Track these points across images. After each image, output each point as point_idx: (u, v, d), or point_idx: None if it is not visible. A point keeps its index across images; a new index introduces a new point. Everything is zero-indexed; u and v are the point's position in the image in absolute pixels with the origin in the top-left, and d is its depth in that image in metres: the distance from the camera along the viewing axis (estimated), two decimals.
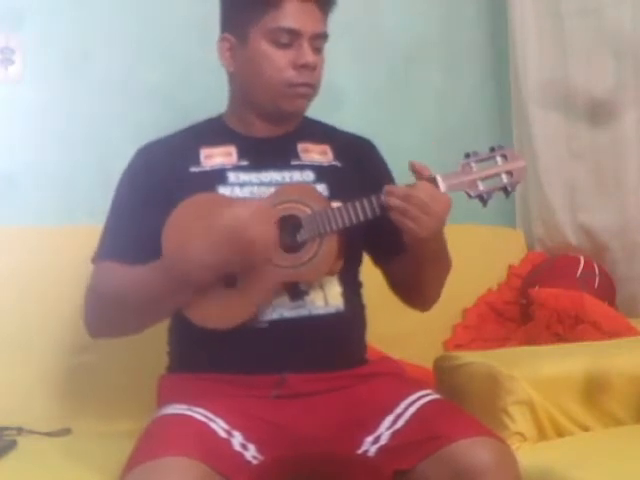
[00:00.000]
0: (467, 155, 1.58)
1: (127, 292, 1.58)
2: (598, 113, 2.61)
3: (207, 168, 1.68)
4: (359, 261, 1.76)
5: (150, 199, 1.63)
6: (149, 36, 2.33)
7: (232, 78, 1.73)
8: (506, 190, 1.58)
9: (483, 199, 1.58)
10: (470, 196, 1.58)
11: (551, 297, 2.37)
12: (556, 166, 2.71)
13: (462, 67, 2.83)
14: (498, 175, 1.58)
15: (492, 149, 1.59)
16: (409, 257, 1.66)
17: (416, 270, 1.67)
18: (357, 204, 1.56)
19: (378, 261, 1.79)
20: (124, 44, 2.30)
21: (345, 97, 2.55)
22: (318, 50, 1.68)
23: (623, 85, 2.55)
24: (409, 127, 2.68)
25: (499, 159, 1.58)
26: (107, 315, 1.62)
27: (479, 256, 2.56)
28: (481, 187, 1.57)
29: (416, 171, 1.57)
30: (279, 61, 1.64)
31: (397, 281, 1.78)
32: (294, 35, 1.64)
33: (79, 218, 2.18)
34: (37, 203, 2.21)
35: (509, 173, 1.58)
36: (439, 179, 1.56)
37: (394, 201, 1.53)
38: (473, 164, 1.57)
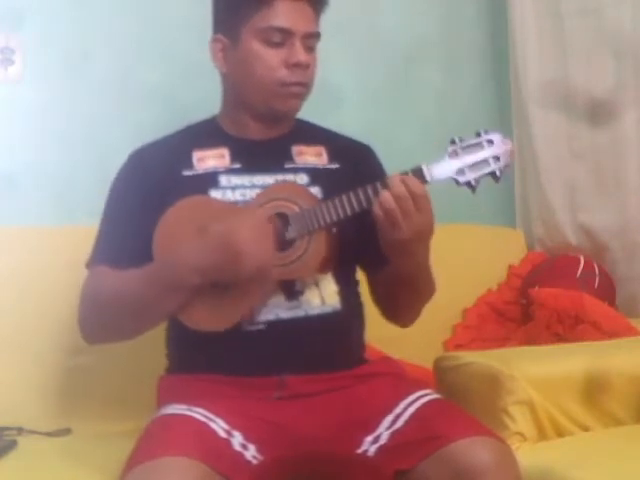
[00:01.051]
0: (453, 141, 1.55)
1: (120, 296, 1.58)
2: (598, 113, 2.61)
3: (200, 171, 1.67)
4: (355, 259, 1.75)
5: (143, 203, 1.63)
6: (149, 36, 2.33)
7: (225, 79, 1.73)
8: (494, 175, 1.55)
9: (471, 186, 1.54)
10: (458, 183, 1.55)
11: (551, 297, 2.37)
12: (556, 166, 2.71)
13: (462, 67, 2.83)
14: (485, 161, 1.54)
15: (478, 134, 1.56)
16: (391, 272, 1.65)
17: (395, 287, 1.67)
18: (344, 199, 1.54)
19: (364, 267, 1.78)
20: (124, 44, 2.30)
21: (344, 97, 2.55)
22: (311, 49, 1.67)
23: (623, 85, 2.55)
24: (408, 127, 2.68)
25: (485, 144, 1.55)
26: (102, 320, 1.62)
27: (479, 256, 2.56)
28: (468, 174, 1.54)
29: None
30: (271, 60, 1.64)
31: (378, 292, 1.76)
32: (286, 34, 1.63)
33: (79, 218, 2.18)
34: (37, 203, 2.21)
35: (496, 158, 1.55)
36: (425, 168, 1.53)
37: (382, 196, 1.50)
38: (459, 151, 1.54)
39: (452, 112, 2.78)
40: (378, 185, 1.53)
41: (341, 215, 1.54)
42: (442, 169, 1.54)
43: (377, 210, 1.51)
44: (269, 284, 1.57)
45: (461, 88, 2.82)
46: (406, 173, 1.53)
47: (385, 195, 1.50)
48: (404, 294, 1.69)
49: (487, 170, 1.55)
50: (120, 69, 2.30)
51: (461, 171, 1.54)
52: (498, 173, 1.55)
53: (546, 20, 2.69)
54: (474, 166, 1.54)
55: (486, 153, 1.55)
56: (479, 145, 1.55)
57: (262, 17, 1.63)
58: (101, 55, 2.28)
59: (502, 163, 1.55)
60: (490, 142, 1.55)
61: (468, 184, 1.55)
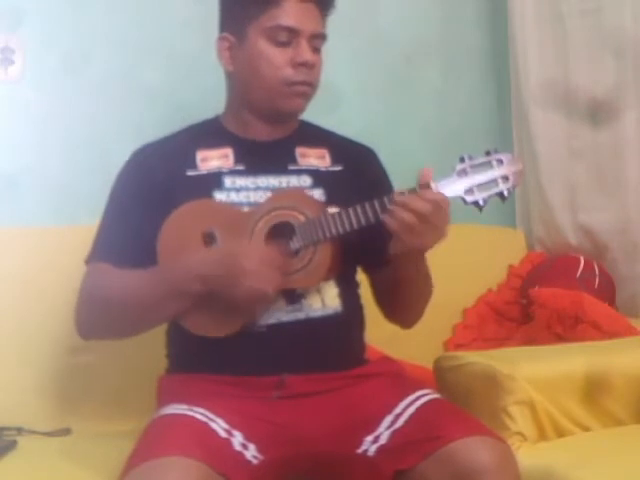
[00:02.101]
0: (462, 159, 1.54)
1: (121, 297, 1.58)
2: (598, 113, 2.61)
3: (203, 172, 1.67)
4: (356, 261, 1.75)
5: (146, 202, 1.63)
6: (149, 36, 2.32)
7: (230, 78, 1.73)
8: (502, 195, 1.55)
9: (479, 205, 1.55)
10: (465, 202, 1.55)
11: (551, 297, 2.37)
12: (556, 166, 2.71)
13: (462, 67, 2.82)
14: (494, 180, 1.54)
15: (488, 153, 1.56)
16: (391, 273, 1.65)
17: (396, 288, 1.67)
18: (351, 212, 1.54)
19: (365, 268, 1.78)
20: (124, 44, 2.30)
21: (344, 97, 2.55)
22: (316, 50, 1.68)
23: (623, 85, 2.55)
24: (408, 128, 2.68)
25: (495, 163, 1.55)
26: (99, 317, 1.62)
27: (479, 256, 2.56)
28: (477, 193, 1.54)
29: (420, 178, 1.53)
30: (277, 59, 1.64)
31: (380, 293, 1.77)
32: (293, 34, 1.64)
33: (80, 218, 2.18)
34: (38, 203, 2.21)
35: (505, 178, 1.55)
36: (433, 187, 1.53)
37: (401, 214, 1.50)
38: (468, 169, 1.54)
39: (452, 112, 2.78)
40: (385, 200, 1.53)
41: (347, 228, 1.55)
42: (450, 187, 1.54)
43: (394, 225, 1.50)
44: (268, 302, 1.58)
45: (461, 88, 2.82)
46: (414, 190, 1.53)
47: (416, 206, 1.48)
48: (404, 294, 1.69)
49: (496, 190, 1.55)
50: (120, 69, 2.30)
51: (469, 190, 1.54)
52: (506, 193, 1.56)
53: (546, 20, 2.69)
54: (483, 186, 1.54)
55: (495, 173, 1.55)
56: (488, 164, 1.55)
57: (270, 16, 1.64)
58: (101, 55, 2.28)
59: (511, 184, 1.55)
60: (500, 162, 1.55)
61: (476, 204, 1.55)
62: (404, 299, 1.71)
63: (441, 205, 1.50)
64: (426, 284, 1.70)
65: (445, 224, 1.52)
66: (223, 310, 1.56)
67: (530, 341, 2.31)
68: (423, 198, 1.49)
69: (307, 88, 1.68)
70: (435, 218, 1.49)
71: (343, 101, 2.54)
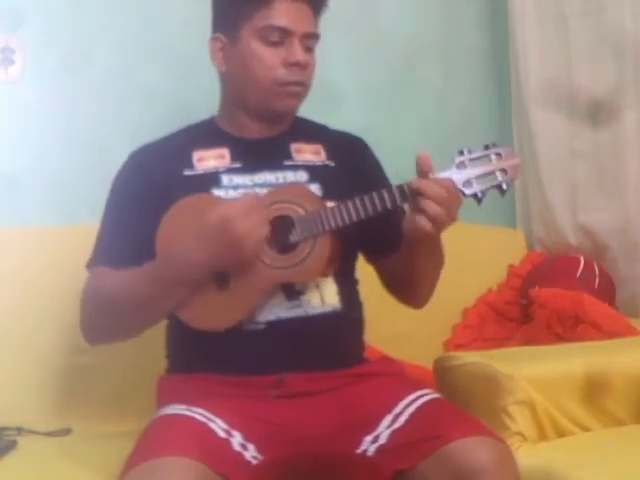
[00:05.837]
0: (461, 152, 1.55)
1: (121, 295, 1.58)
2: (599, 113, 2.61)
3: (200, 171, 1.68)
4: (355, 258, 1.76)
5: (144, 203, 1.63)
6: (149, 36, 2.33)
7: (224, 78, 1.74)
8: (501, 188, 1.56)
9: (477, 197, 1.55)
10: (464, 195, 1.55)
11: (551, 297, 2.37)
12: (557, 166, 2.71)
13: (462, 67, 2.83)
14: (492, 173, 1.55)
15: (486, 147, 1.56)
16: (404, 251, 1.65)
17: (411, 264, 1.66)
18: (350, 205, 1.54)
19: (372, 259, 1.79)
20: (124, 44, 2.30)
21: (344, 97, 2.55)
22: (309, 50, 1.68)
23: (624, 85, 2.55)
24: (408, 128, 2.68)
25: (493, 157, 1.55)
26: (103, 321, 1.62)
27: (479, 256, 2.56)
28: (475, 186, 1.55)
29: (420, 166, 1.53)
30: (269, 59, 1.64)
31: (391, 278, 1.76)
32: (285, 33, 1.64)
33: (80, 218, 2.18)
34: (38, 203, 2.21)
35: (503, 171, 1.55)
36: (432, 178, 1.53)
37: (427, 201, 1.50)
38: (467, 162, 1.54)
39: (452, 112, 2.79)
40: (384, 192, 1.54)
41: (346, 221, 1.55)
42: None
43: (423, 221, 1.50)
44: (267, 284, 1.57)
45: (461, 88, 2.82)
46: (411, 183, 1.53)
47: (428, 202, 1.49)
48: (418, 276, 1.68)
49: (494, 183, 1.56)
50: (120, 69, 2.30)
51: (468, 183, 1.55)
52: (505, 186, 1.56)
53: (547, 20, 2.69)
54: (481, 178, 1.55)
55: (494, 166, 1.56)
56: (487, 157, 1.56)
57: (262, 16, 1.64)
58: (101, 55, 2.28)
59: (509, 177, 1.56)
60: (498, 155, 1.56)
61: (474, 196, 1.55)
62: (418, 281, 1.70)
63: (448, 188, 1.50)
64: (439, 261, 1.69)
65: (453, 207, 1.51)
66: (221, 303, 1.56)
67: (530, 341, 2.31)
68: (434, 182, 1.50)
69: (300, 88, 1.68)
70: (443, 202, 1.49)
71: (343, 101, 2.54)
